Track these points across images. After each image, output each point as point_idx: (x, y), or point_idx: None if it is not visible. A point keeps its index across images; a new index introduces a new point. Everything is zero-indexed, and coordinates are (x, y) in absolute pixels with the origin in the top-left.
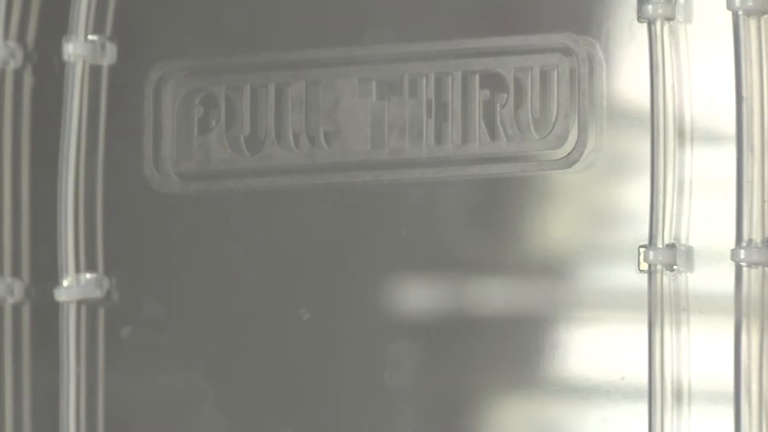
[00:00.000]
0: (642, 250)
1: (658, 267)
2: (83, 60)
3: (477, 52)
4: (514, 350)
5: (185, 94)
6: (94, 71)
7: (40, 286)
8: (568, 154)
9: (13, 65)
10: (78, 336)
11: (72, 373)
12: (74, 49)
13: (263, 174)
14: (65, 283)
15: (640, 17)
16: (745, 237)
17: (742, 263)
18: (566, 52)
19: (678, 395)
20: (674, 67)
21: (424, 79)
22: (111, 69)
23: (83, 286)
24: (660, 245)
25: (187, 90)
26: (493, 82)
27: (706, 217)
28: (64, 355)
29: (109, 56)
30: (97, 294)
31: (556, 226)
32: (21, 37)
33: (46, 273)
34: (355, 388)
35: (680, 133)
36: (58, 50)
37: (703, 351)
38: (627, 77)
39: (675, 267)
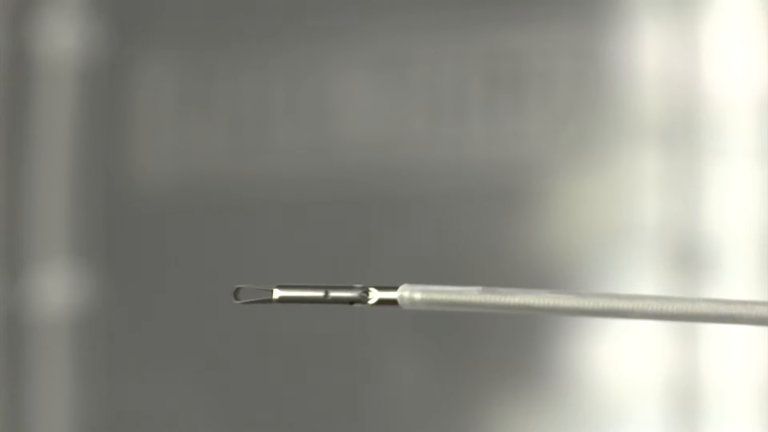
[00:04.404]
0: None
1: None
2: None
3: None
4: (521, 353)
5: (172, 93)
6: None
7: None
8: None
9: None
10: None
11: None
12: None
13: (260, 181)
14: (45, 287)
15: None
16: None
17: None
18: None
19: (694, 399)
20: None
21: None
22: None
23: (65, 291)
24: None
25: (174, 90)
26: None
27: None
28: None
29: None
30: (83, 301)
31: (564, 232)
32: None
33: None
34: (355, 391)
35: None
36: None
37: (708, 353)
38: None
39: None
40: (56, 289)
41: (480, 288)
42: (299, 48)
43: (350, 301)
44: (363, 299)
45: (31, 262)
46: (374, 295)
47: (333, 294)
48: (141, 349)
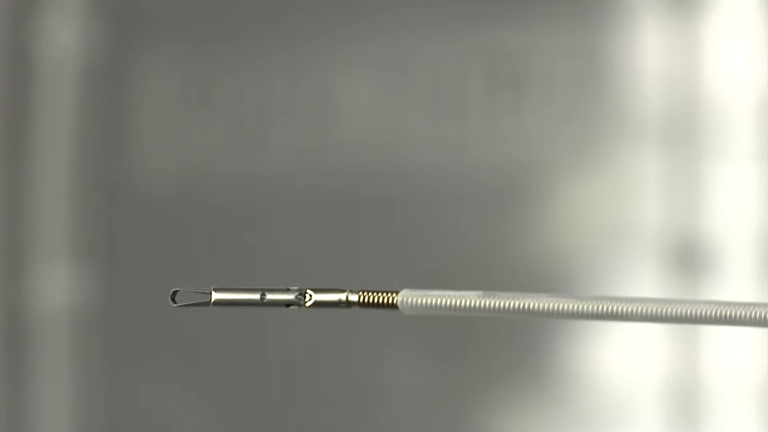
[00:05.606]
0: None
1: None
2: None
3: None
4: (521, 354)
5: (173, 93)
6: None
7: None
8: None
9: None
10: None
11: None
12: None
13: (260, 181)
14: (49, 287)
15: None
16: None
17: None
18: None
19: (694, 399)
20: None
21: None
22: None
23: (67, 289)
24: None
25: (175, 90)
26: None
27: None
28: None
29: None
30: (83, 301)
31: (564, 232)
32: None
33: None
34: (356, 392)
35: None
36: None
37: (708, 354)
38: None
39: None
40: (56, 289)
41: (480, 292)
42: (299, 48)
43: (287, 304)
44: (300, 302)
45: (31, 262)
46: (311, 298)
47: (270, 296)
48: (141, 349)
